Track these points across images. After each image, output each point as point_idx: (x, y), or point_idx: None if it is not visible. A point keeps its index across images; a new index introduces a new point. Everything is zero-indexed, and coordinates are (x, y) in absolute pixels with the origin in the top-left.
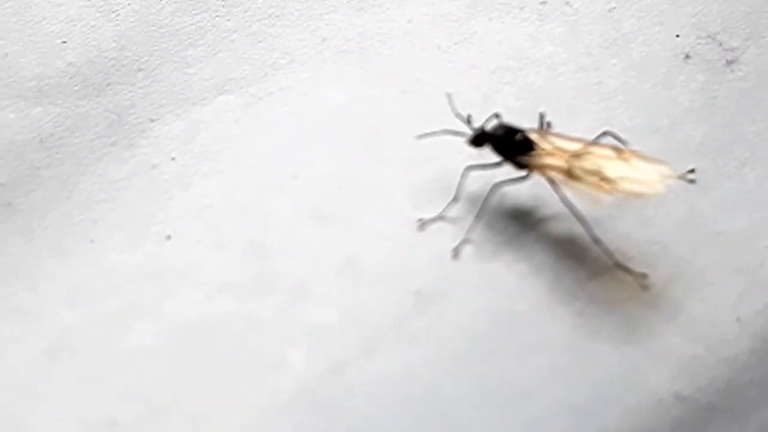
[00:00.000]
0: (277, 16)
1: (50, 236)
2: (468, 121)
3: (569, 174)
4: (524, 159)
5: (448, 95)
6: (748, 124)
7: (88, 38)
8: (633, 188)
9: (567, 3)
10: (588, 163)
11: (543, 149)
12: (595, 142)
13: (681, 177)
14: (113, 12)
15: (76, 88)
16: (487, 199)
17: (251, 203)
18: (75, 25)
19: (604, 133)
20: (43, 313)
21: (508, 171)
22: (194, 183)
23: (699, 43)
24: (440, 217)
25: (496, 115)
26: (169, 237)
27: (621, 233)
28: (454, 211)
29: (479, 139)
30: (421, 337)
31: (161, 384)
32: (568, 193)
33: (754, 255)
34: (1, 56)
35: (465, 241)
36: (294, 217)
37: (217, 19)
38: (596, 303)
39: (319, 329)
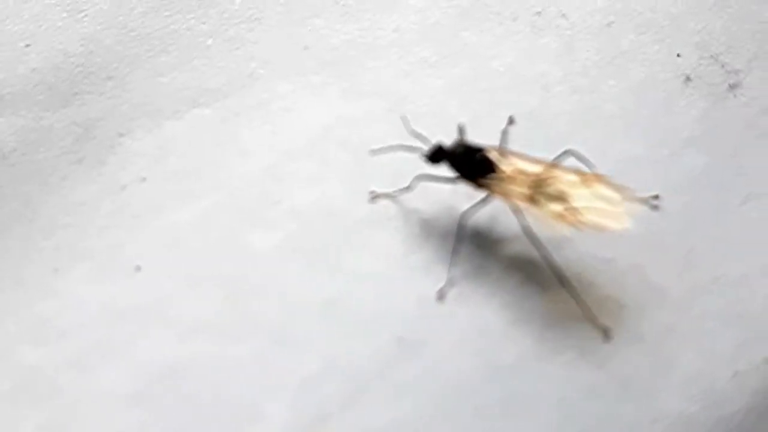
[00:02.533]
0: (256, 19)
1: (11, 263)
2: (420, 137)
3: (531, 200)
4: (483, 181)
5: (403, 118)
6: (751, 156)
7: (53, 41)
8: (598, 221)
9: (563, 15)
10: (552, 189)
11: (504, 172)
12: (558, 165)
13: (644, 202)
14: (81, 12)
15: (40, 97)
16: (459, 232)
17: (228, 233)
18: (40, 26)
19: (566, 152)
20: (3, 350)
21: (465, 193)
22: (166, 208)
23: (701, 65)
24: (391, 196)
25: (460, 129)
26: (138, 268)
27: (614, 276)
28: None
29: (436, 155)
30: (406, 389)
31: None
32: (531, 221)
33: (753, 303)
34: None
35: (449, 282)
36: (273, 251)
37: (192, 21)
38: (588, 354)
39: (300, 378)
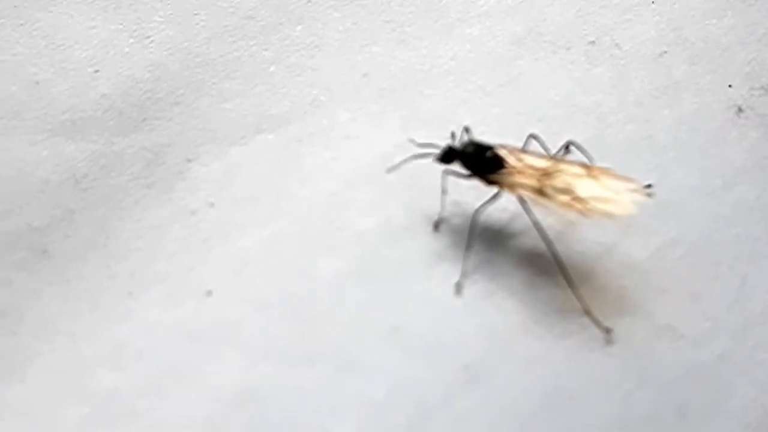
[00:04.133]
0: (316, 47)
1: (88, 288)
2: (427, 144)
3: (540, 192)
4: (494, 177)
5: (411, 140)
6: None
7: (121, 67)
8: (604, 208)
9: (616, 45)
10: (558, 181)
11: (513, 167)
12: (563, 159)
13: (638, 192)
14: (147, 38)
15: (110, 123)
16: (472, 227)
17: (293, 259)
18: (108, 52)
19: (567, 144)
20: (83, 374)
21: (478, 193)
22: (233, 233)
23: (752, 95)
24: (442, 212)
25: (466, 129)
26: (209, 293)
27: (672, 305)
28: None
29: (448, 156)
30: (470, 417)
31: None
32: (538, 212)
33: None
34: (32, 84)
35: (464, 275)
36: (338, 277)
37: (254, 48)
38: (645, 385)
39: (366, 404)
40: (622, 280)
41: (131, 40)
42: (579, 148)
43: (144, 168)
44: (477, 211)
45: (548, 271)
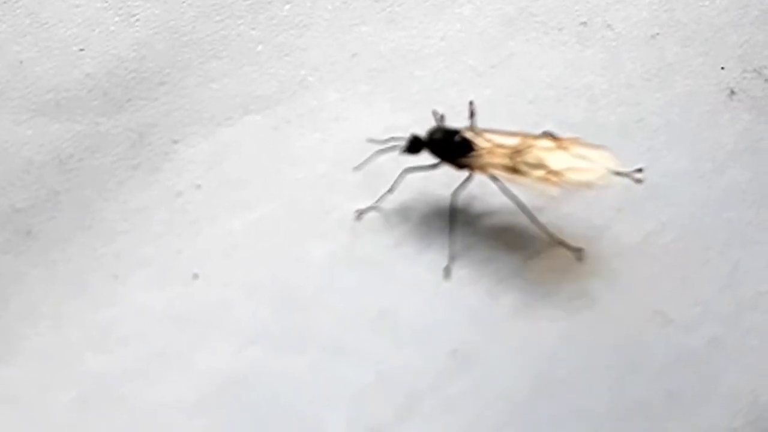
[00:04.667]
0: (304, 26)
1: (73, 270)
2: (389, 140)
3: (513, 170)
4: (465, 160)
5: (370, 140)
6: None
7: (106, 46)
8: (580, 178)
9: (608, 26)
10: (530, 157)
11: (482, 148)
12: (531, 134)
13: (628, 176)
14: (132, 16)
15: (95, 102)
16: (452, 212)
17: (281, 243)
18: (93, 30)
19: (544, 134)
20: (69, 357)
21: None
22: (221, 216)
23: (744, 78)
24: (374, 207)
25: (435, 113)
26: (196, 276)
27: (661, 291)
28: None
29: (414, 145)
30: (459, 402)
31: None
32: (515, 189)
33: None
34: (16, 64)
35: (452, 259)
36: (327, 261)
37: (242, 27)
38: (636, 370)
39: (355, 390)
40: (612, 264)
41: (116, 19)
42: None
43: (129, 149)
44: (454, 194)
45: (536, 254)
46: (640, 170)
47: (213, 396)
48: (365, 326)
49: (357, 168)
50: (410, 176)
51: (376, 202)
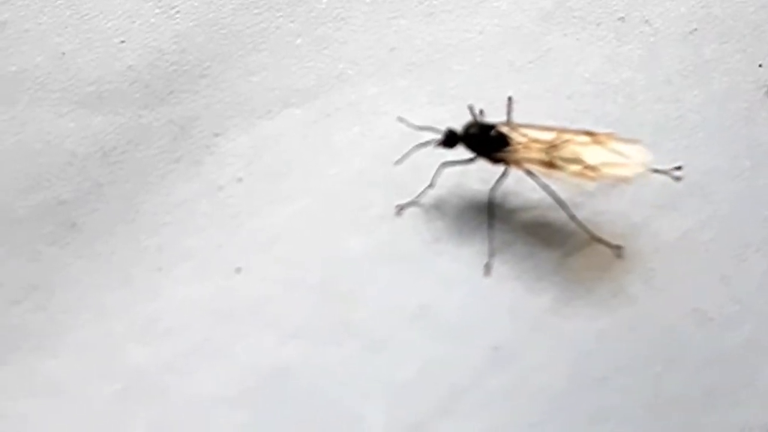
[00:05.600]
0: (342, 19)
1: (117, 263)
2: (423, 128)
3: (549, 165)
4: (500, 155)
5: (400, 118)
6: None
7: (147, 38)
8: (617, 173)
9: (646, 21)
10: (566, 151)
11: (518, 143)
12: (567, 129)
13: (667, 173)
14: (173, 8)
15: (137, 95)
16: (490, 208)
17: (322, 237)
18: (133, 22)
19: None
20: (112, 350)
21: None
22: (262, 209)
23: None
24: (414, 203)
25: (471, 109)
26: (239, 270)
27: (700, 288)
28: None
29: (450, 140)
30: (499, 398)
31: None
32: (551, 185)
33: None
34: (58, 56)
35: (492, 255)
36: (366, 256)
37: (281, 19)
38: (675, 367)
39: (395, 385)
40: (650, 262)
41: (157, 11)
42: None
43: (171, 142)
44: (492, 190)
45: (574, 251)
46: (679, 168)
47: (254, 389)
48: (404, 321)
49: (397, 162)
50: (446, 172)
51: (417, 197)
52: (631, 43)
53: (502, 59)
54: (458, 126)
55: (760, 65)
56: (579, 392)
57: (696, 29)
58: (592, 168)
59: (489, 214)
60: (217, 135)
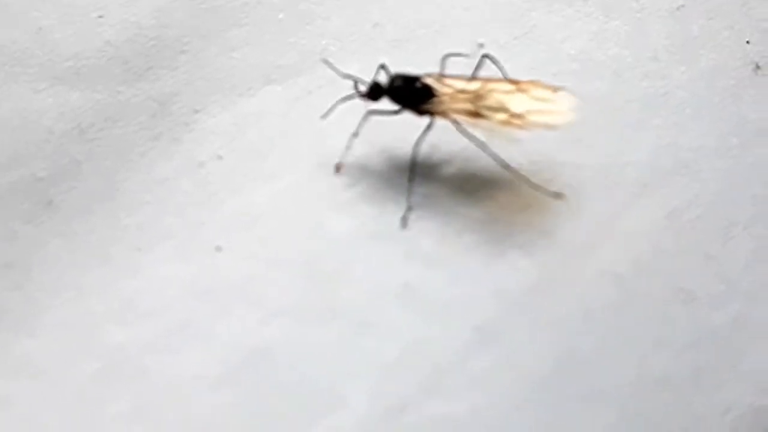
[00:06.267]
0: None
1: (95, 241)
2: (355, 80)
3: (475, 114)
4: (426, 106)
5: (325, 60)
6: None
7: (125, 13)
8: (543, 120)
9: None
10: (491, 101)
11: (443, 93)
12: (491, 78)
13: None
14: None
15: (115, 71)
16: (413, 160)
17: (304, 215)
18: None
19: (483, 57)
20: (92, 329)
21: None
22: (244, 187)
23: None
24: (347, 148)
25: (382, 66)
26: (219, 248)
27: (685, 266)
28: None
29: (375, 92)
30: (483, 378)
31: (216, 417)
32: (476, 133)
33: None
34: (35, 30)
35: (409, 209)
36: (349, 234)
37: None
38: (661, 346)
39: (379, 365)
40: (637, 241)
41: None
42: (494, 61)
43: (150, 118)
44: (417, 144)
45: (561, 230)
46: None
47: (236, 369)
48: (388, 300)
49: (323, 116)
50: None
51: (347, 149)
52: (618, 20)
53: (487, 36)
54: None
55: (747, 42)
56: (565, 372)
57: (683, 5)
58: (518, 116)
59: (411, 168)
60: (197, 112)
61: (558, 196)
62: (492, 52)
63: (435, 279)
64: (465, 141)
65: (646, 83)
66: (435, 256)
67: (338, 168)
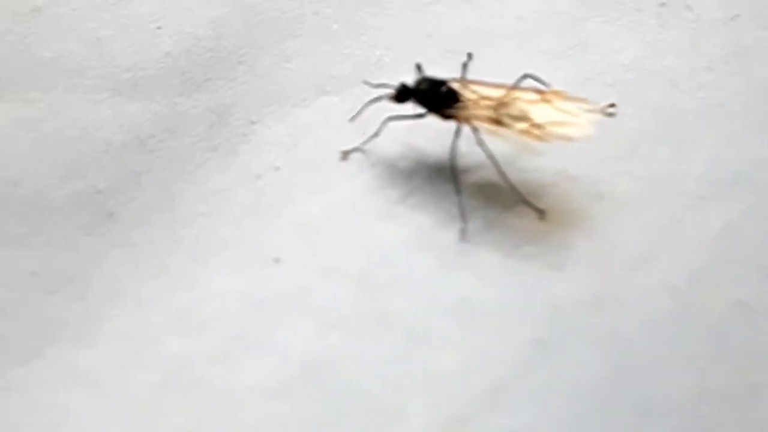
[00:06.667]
0: (379, 5)
1: (154, 252)
2: (381, 85)
3: (497, 122)
4: (451, 111)
5: (365, 82)
6: None
7: (183, 24)
8: (562, 132)
9: (687, 7)
10: (514, 109)
11: (468, 99)
12: (517, 87)
13: (602, 111)
14: None
15: (173, 82)
16: (453, 170)
17: (360, 227)
18: (169, 7)
19: (525, 76)
20: (150, 340)
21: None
22: (299, 198)
23: None
24: (359, 149)
25: (418, 66)
26: (276, 260)
27: (743, 280)
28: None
29: (402, 94)
30: (543, 391)
31: (273, 428)
32: (497, 141)
33: None
34: (93, 41)
35: (464, 220)
36: (405, 245)
37: (317, 5)
38: (720, 362)
39: (437, 377)
40: (693, 253)
41: None
42: (536, 79)
43: (208, 129)
44: (452, 153)
45: (617, 242)
46: (612, 105)
47: (292, 380)
48: (444, 312)
49: (352, 119)
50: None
51: (362, 143)
52: (673, 29)
53: (540, 46)
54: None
55: None
56: (622, 385)
57: (738, 15)
58: (539, 126)
59: (454, 178)
60: (253, 123)
61: (542, 213)
62: (544, 62)
63: (491, 291)
64: (518, 150)
65: (701, 93)
66: (490, 268)
67: (343, 155)
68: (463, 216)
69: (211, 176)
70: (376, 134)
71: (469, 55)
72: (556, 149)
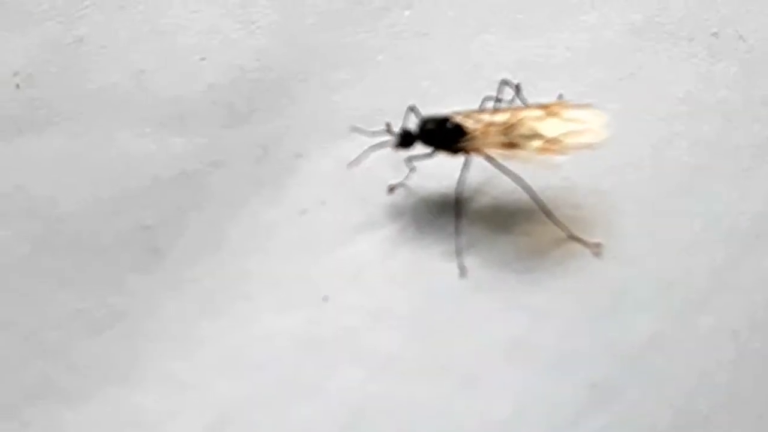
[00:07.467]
0: (425, 35)
1: (202, 291)
2: (388, 130)
3: (511, 145)
4: (460, 145)
5: (353, 127)
6: None
7: (227, 55)
8: (579, 141)
9: (740, 37)
10: (524, 129)
11: (475, 129)
12: (518, 107)
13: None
14: (252, 23)
15: (218, 114)
16: (457, 204)
17: (409, 264)
18: (213, 38)
19: (503, 83)
20: (199, 383)
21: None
22: (347, 235)
23: None
24: (402, 184)
25: (411, 108)
26: (326, 298)
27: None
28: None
29: (406, 140)
30: None
31: None
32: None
33: None
34: (137, 73)
35: (459, 253)
36: (456, 289)
37: (362, 35)
38: None
39: (490, 422)
40: (752, 294)
41: (237, 26)
42: (509, 84)
43: (254, 163)
44: (459, 185)
45: (673, 283)
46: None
47: (343, 425)
48: (498, 355)
49: (350, 165)
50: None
51: (404, 179)
52: (725, 61)
53: (591, 77)
54: (410, 125)
55: None
56: (680, 430)
57: None
58: (554, 141)
59: (456, 213)
60: (299, 156)
61: (597, 247)
62: (596, 94)
63: (544, 333)
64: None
65: (757, 127)
66: (543, 310)
67: (391, 189)
68: (459, 252)
69: (258, 211)
70: (414, 169)
71: (518, 87)
72: (606, 181)
